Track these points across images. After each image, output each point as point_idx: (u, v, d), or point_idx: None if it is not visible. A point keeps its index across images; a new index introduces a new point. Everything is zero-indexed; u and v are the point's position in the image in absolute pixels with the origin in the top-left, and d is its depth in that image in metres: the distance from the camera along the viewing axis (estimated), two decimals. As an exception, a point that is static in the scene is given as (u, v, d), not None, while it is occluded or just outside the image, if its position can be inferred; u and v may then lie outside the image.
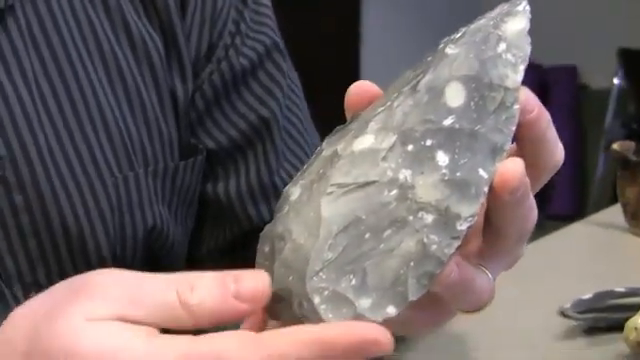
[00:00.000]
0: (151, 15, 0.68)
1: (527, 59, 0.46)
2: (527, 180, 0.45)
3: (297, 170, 0.72)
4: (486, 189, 0.44)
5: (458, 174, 0.44)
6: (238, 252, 0.73)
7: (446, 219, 0.44)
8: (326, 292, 0.44)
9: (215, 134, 0.70)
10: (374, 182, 0.45)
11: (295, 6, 3.15)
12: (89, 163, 0.64)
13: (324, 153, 0.48)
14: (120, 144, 0.65)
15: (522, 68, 0.46)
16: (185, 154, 0.69)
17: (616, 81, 3.28)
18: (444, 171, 0.44)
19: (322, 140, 0.75)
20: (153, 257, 0.67)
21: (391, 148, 0.45)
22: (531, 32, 0.47)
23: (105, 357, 0.41)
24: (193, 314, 0.42)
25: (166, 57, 0.68)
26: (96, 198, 0.64)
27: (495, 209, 0.46)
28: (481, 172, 0.44)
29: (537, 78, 3.39)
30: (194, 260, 0.73)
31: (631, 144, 1.14)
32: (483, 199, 0.44)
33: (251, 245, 0.73)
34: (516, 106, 0.45)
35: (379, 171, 0.45)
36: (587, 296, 0.89)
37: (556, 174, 0.50)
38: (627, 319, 0.76)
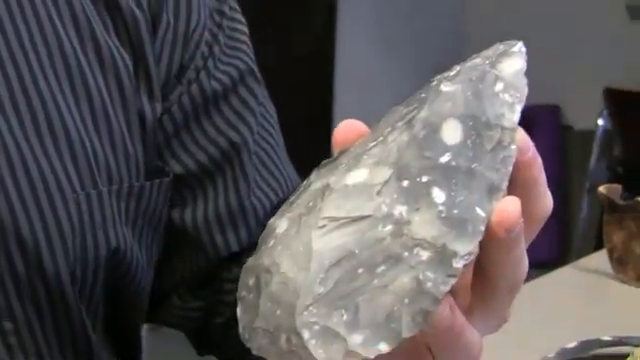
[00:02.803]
0: (120, 32, 0.69)
1: (524, 100, 0.48)
2: (522, 221, 0.46)
3: (268, 199, 0.74)
4: (483, 228, 0.46)
5: (455, 211, 0.45)
6: (206, 286, 0.74)
7: (442, 256, 0.45)
8: (316, 327, 0.45)
9: (183, 158, 0.71)
10: (368, 217, 0.46)
11: (267, 30, 3.17)
12: (50, 178, 0.64)
13: (313, 186, 0.49)
14: (83, 161, 0.65)
15: (519, 108, 0.48)
16: (151, 175, 0.70)
17: (601, 122, 3.31)
18: (440, 208, 0.45)
19: (297, 172, 0.76)
20: (116, 285, 0.68)
21: (386, 183, 0.46)
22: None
23: None
24: None
25: (135, 76, 0.69)
26: (56, 215, 0.64)
27: (488, 253, 0.47)
28: (478, 210, 0.46)
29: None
30: (159, 294, 0.74)
31: (618, 187, 1.16)
32: (480, 237, 0.46)
33: (218, 279, 0.74)
34: (513, 146, 0.47)
35: (373, 206, 0.46)
36: (572, 345, 0.90)
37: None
38: (613, 369, 0.78)
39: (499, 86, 0.48)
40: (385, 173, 0.46)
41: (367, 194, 0.46)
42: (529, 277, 1.22)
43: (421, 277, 0.45)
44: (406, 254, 0.45)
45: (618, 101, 3.09)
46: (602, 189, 1.15)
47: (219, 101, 0.72)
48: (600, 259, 1.21)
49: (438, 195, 0.46)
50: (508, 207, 0.46)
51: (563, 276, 1.23)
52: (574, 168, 3.65)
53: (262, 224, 0.72)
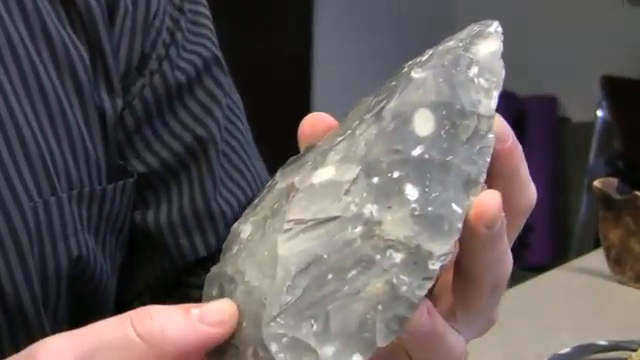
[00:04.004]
0: (75, 22, 0.67)
1: (501, 84, 0.47)
2: (503, 215, 0.46)
3: (236, 198, 0.73)
4: (460, 225, 0.45)
5: (429, 209, 0.45)
6: (171, 294, 0.73)
7: (417, 258, 0.44)
8: (285, 339, 0.44)
9: (146, 156, 0.70)
10: (336, 218, 0.45)
11: (243, 23, 3.17)
12: (3, 186, 0.63)
13: (278, 186, 0.48)
14: (40, 165, 0.64)
15: (496, 94, 0.47)
16: (113, 176, 0.69)
17: (600, 113, 3.32)
18: (414, 205, 0.45)
19: (267, 168, 0.76)
20: (78, 295, 0.67)
21: (354, 181, 0.45)
22: (505, 58, 0.48)
23: None
24: (155, 344, 0.44)
25: (92, 69, 0.68)
26: (12, 226, 0.63)
27: (468, 251, 0.46)
28: (454, 207, 0.45)
29: (512, 110, 3.44)
30: (122, 303, 0.73)
31: (614, 181, 1.16)
32: (457, 236, 0.45)
33: (184, 286, 0.73)
34: (491, 135, 0.46)
35: (342, 206, 0.45)
36: (566, 350, 0.90)
37: (533, 218, 0.50)
38: (609, 375, 0.78)
39: (474, 70, 0.47)
40: (353, 170, 0.46)
41: (334, 193, 0.46)
42: (524, 280, 1.21)
43: (395, 281, 0.44)
44: (378, 257, 0.44)
45: (617, 90, 3.09)
46: (597, 183, 1.15)
47: (183, 93, 0.71)
48: (597, 259, 1.21)
49: (411, 192, 0.45)
50: (487, 201, 0.45)
51: (558, 277, 1.23)
52: (572, 163, 3.66)
53: (231, 226, 0.72)
